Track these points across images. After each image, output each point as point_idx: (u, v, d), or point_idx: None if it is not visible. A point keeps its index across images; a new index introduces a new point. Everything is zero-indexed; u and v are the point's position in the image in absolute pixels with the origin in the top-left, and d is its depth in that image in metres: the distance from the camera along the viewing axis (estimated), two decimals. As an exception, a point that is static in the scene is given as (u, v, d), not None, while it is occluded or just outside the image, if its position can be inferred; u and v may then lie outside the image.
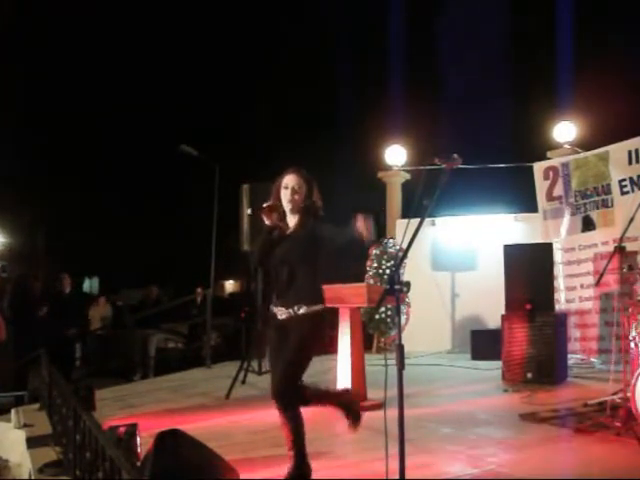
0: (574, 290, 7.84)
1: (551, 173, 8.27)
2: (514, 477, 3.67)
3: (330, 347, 5.80)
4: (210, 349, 8.94)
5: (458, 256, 9.51)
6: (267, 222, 3.60)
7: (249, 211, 4.20)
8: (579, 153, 8.40)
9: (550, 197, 8.28)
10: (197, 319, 10.88)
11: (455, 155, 2.97)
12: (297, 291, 3.51)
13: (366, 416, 5.03)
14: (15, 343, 7.92)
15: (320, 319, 3.52)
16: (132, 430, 3.59)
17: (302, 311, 3.47)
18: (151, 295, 11.51)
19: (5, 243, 20.68)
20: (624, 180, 7.40)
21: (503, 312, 6.75)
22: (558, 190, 8.17)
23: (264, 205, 3.61)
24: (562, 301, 7.84)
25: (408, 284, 2.92)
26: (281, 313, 3.55)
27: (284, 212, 3.63)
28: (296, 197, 3.58)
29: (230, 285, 29.82)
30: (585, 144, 8.80)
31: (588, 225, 7.84)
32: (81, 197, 25.11)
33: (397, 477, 2.78)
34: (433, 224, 9.62)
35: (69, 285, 9.63)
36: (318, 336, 3.58)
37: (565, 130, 9.05)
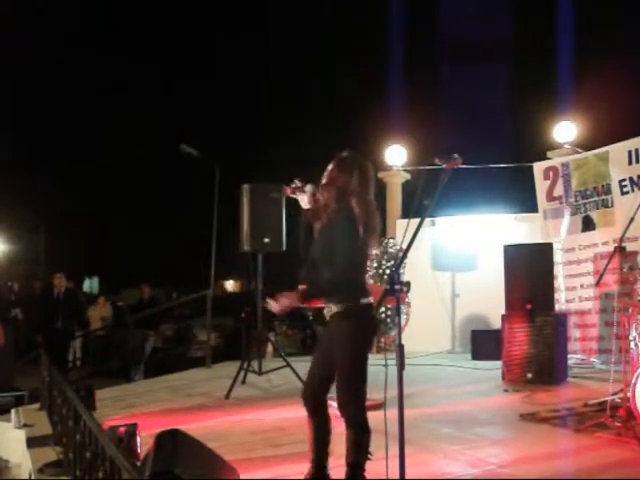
0: (574, 290, 7.84)
1: (551, 173, 8.27)
2: (514, 477, 3.67)
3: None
4: (210, 349, 8.94)
5: (458, 256, 9.51)
6: (302, 205, 3.38)
7: (275, 194, 3.97)
8: (579, 153, 8.40)
9: (550, 197, 8.27)
10: (185, 322, 10.89)
11: (455, 155, 2.97)
12: (329, 289, 3.26)
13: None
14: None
15: (353, 316, 3.22)
16: (132, 430, 3.59)
17: (335, 309, 3.26)
18: (143, 295, 11.48)
19: (4, 250, 20.69)
20: (624, 180, 7.40)
21: (503, 312, 6.75)
22: (558, 190, 8.17)
23: (291, 185, 3.43)
24: (562, 301, 7.84)
25: (408, 284, 2.92)
26: (327, 310, 3.31)
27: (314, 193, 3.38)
28: (323, 185, 3.35)
29: (230, 285, 29.82)
30: (585, 144, 8.80)
31: (588, 225, 7.84)
32: (81, 197, 25.13)
33: (397, 477, 2.78)
34: (433, 224, 9.61)
35: (63, 285, 9.62)
36: (356, 335, 3.23)
37: (565, 130, 9.05)
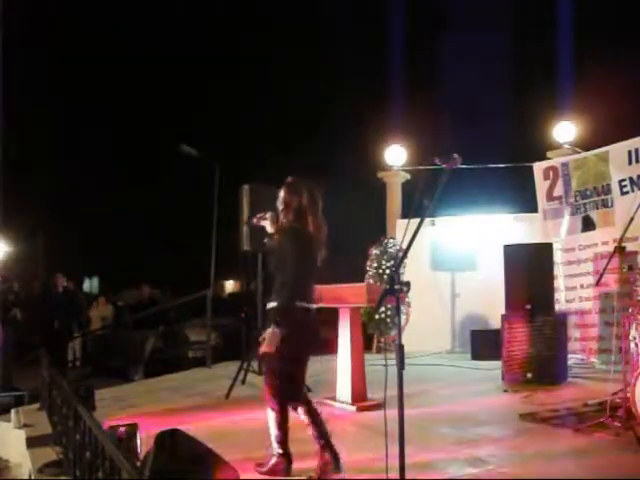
0: (574, 290, 7.84)
1: (551, 173, 8.28)
2: (514, 477, 3.67)
3: (330, 347, 5.79)
4: (210, 349, 8.93)
5: (458, 256, 9.51)
6: (268, 230, 3.94)
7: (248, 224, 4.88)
8: (579, 153, 8.40)
9: (550, 197, 8.28)
10: (169, 327, 10.87)
11: (455, 155, 2.98)
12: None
13: (366, 416, 5.04)
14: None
15: (275, 315, 3.56)
16: (132, 430, 3.59)
17: (268, 306, 3.69)
18: (143, 295, 11.47)
19: (6, 252, 20.65)
20: (624, 180, 7.40)
21: (503, 312, 6.75)
22: (558, 190, 8.17)
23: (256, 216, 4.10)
24: (562, 301, 7.84)
25: (408, 284, 2.91)
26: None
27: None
28: (280, 210, 3.79)
29: (230, 285, 29.78)
30: (585, 144, 8.81)
31: (588, 225, 7.84)
32: (81, 197, 25.14)
33: (397, 477, 2.78)
34: (433, 224, 9.61)
35: (62, 285, 9.63)
36: (279, 334, 3.53)
37: (565, 130, 9.06)
